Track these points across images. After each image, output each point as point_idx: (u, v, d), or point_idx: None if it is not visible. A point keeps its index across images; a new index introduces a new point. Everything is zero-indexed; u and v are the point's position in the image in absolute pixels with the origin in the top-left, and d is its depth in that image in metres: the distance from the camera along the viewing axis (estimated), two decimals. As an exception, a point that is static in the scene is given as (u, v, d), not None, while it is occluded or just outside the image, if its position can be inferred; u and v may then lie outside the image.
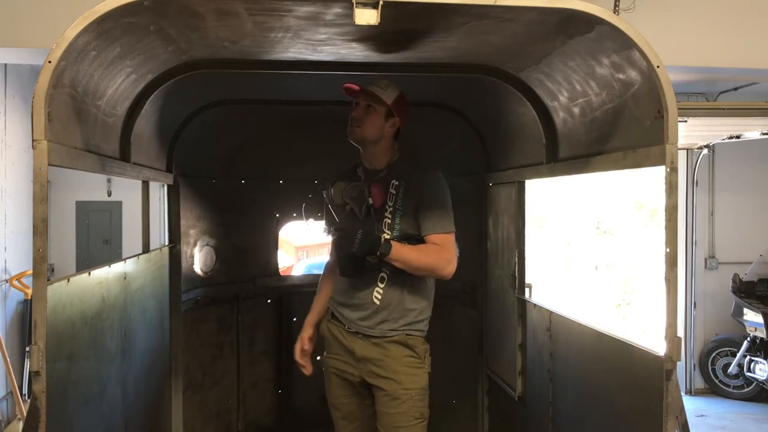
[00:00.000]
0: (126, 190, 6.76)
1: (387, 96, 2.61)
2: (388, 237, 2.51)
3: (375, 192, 2.54)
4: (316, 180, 2.63)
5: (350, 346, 2.63)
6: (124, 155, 2.48)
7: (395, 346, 2.56)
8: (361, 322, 2.60)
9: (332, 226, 2.65)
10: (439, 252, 2.51)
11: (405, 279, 2.55)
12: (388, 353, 2.56)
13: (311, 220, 2.74)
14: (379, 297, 2.56)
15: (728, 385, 6.82)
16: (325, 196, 2.71)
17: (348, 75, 2.72)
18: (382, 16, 1.75)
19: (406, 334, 2.58)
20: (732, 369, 6.66)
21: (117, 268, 2.47)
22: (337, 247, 2.51)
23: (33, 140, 1.58)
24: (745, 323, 6.40)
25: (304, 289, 4.32)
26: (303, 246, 17.78)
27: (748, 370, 6.45)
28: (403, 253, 2.46)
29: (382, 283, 2.56)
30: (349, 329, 2.64)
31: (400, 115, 2.65)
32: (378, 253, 2.42)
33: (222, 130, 3.83)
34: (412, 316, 2.59)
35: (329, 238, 2.73)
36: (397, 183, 2.58)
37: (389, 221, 2.56)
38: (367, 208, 2.54)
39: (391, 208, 2.57)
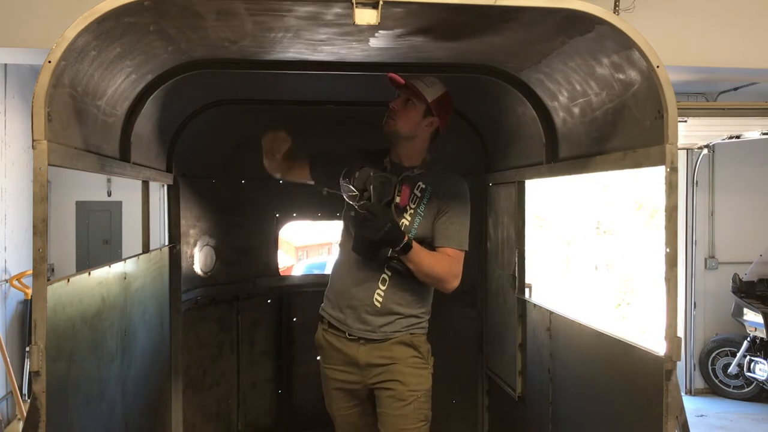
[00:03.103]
0: (126, 190, 6.77)
1: (429, 93, 2.48)
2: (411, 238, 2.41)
3: (405, 191, 2.44)
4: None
5: (353, 355, 2.53)
6: (124, 155, 2.48)
7: (399, 346, 2.50)
8: (362, 327, 2.51)
9: (360, 203, 2.39)
10: (451, 265, 2.46)
11: (406, 281, 2.49)
12: (393, 355, 2.49)
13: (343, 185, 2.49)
14: (380, 300, 2.49)
15: (728, 385, 6.82)
16: (342, 180, 2.44)
17: (348, 75, 2.72)
18: (382, 16, 1.75)
19: (410, 333, 2.52)
20: (732, 369, 6.66)
21: (117, 268, 2.47)
22: (359, 227, 2.39)
23: (33, 140, 1.58)
24: (745, 323, 6.40)
25: (304, 289, 4.32)
26: (303, 246, 17.78)
27: (748, 370, 6.46)
28: (420, 256, 2.40)
29: (384, 285, 2.49)
30: (351, 336, 2.53)
31: (441, 116, 2.53)
32: (398, 249, 2.35)
33: (222, 130, 3.83)
34: (413, 318, 2.53)
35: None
36: (423, 186, 2.51)
37: (407, 223, 2.47)
38: (387, 203, 2.40)
39: (411, 211, 2.48)
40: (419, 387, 2.50)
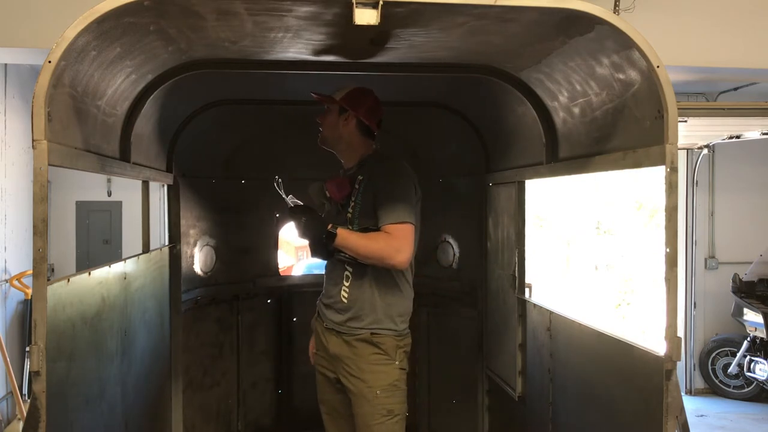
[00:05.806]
0: (126, 190, 6.77)
1: (338, 94, 2.67)
2: (338, 226, 2.50)
3: (330, 187, 2.63)
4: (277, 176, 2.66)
5: (326, 343, 2.69)
6: (124, 155, 2.48)
7: (361, 344, 2.58)
8: (333, 319, 2.65)
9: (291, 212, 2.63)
10: (388, 240, 2.45)
11: (371, 276, 2.56)
12: (356, 351, 2.58)
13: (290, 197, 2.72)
14: (346, 295, 2.61)
15: (728, 385, 6.82)
16: (279, 190, 2.69)
17: (348, 75, 2.72)
18: (382, 16, 1.75)
19: (371, 333, 2.57)
20: (732, 369, 6.66)
21: (117, 268, 2.47)
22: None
23: (33, 140, 1.58)
24: (745, 323, 6.40)
25: (304, 289, 4.32)
26: (303, 246, 17.74)
27: (748, 370, 6.45)
28: (349, 241, 2.48)
29: (347, 282, 2.61)
30: (326, 326, 2.69)
31: (355, 109, 2.65)
32: (324, 239, 2.47)
33: (222, 130, 3.83)
34: (380, 315, 2.58)
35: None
36: (361, 178, 2.62)
37: (350, 216, 2.60)
38: (336, 205, 2.64)
39: (353, 203, 2.61)
40: (379, 383, 2.55)
